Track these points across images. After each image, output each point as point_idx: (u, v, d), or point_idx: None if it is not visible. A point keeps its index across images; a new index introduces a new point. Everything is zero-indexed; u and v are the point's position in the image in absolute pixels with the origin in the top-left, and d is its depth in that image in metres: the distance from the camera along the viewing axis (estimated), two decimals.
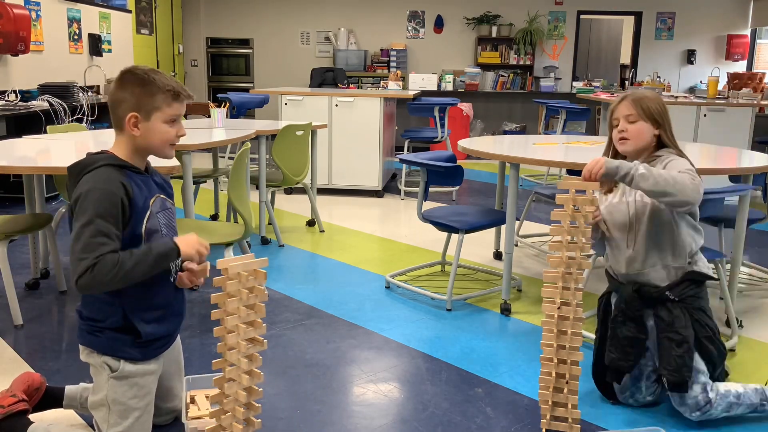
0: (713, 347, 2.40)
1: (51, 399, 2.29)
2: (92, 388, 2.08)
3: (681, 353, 2.33)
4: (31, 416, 2.19)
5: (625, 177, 2.25)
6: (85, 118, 6.03)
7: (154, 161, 2.21)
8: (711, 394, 2.34)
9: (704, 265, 2.52)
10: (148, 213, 2.00)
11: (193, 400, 2.34)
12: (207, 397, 2.30)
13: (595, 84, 8.88)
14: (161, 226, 2.05)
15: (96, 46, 7.45)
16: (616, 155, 2.51)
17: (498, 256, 4.39)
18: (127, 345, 2.01)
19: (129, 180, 1.97)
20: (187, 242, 2.00)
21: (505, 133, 9.99)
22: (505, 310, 3.44)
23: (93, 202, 1.87)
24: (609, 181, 2.40)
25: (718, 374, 2.45)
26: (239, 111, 6.48)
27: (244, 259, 1.87)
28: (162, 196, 2.11)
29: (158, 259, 1.93)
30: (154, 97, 1.98)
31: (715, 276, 2.59)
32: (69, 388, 2.31)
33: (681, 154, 2.43)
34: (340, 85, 8.81)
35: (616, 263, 2.54)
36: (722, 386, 2.40)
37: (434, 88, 9.43)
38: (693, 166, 2.36)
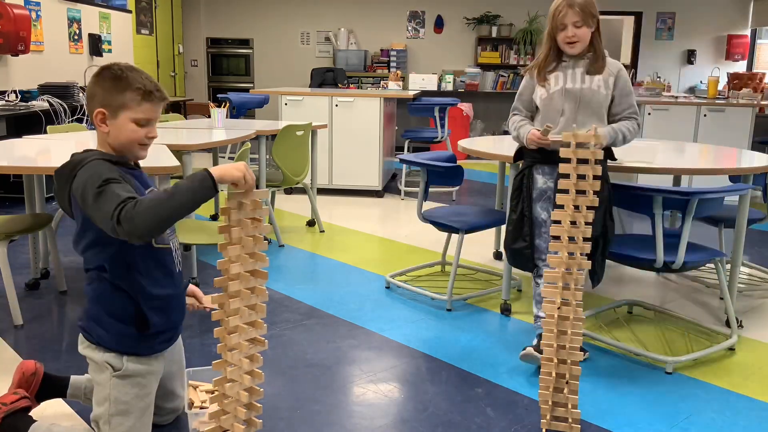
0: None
1: (54, 388, 2.27)
2: (94, 388, 2.08)
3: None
4: (34, 414, 2.19)
5: (614, 144, 2.80)
6: (85, 118, 6.02)
7: (154, 162, 2.21)
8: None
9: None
10: None
11: (194, 390, 2.35)
12: (207, 392, 2.31)
13: None
14: None
15: (96, 46, 7.45)
16: (558, 55, 2.83)
17: (498, 256, 4.39)
18: (133, 339, 2.01)
19: (122, 171, 1.95)
20: (225, 174, 1.77)
21: (505, 133, 9.99)
22: (505, 310, 3.44)
23: (98, 176, 1.82)
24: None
25: None
26: (239, 111, 6.48)
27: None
28: (156, 189, 2.10)
29: (194, 191, 1.76)
30: (123, 94, 1.94)
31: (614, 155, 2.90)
32: (74, 378, 2.30)
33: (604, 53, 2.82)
34: (340, 85, 8.81)
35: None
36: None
37: (434, 88, 9.43)
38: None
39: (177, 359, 2.28)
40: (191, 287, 2.29)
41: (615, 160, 2.95)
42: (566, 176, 2.27)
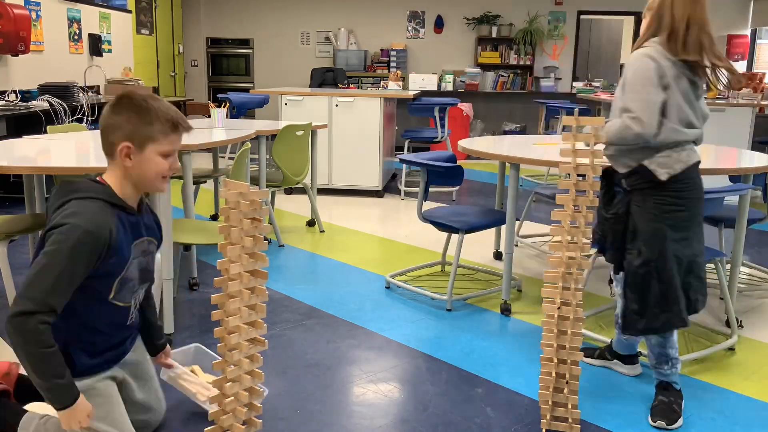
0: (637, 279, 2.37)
1: (33, 390, 2.23)
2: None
3: (612, 238, 2.43)
4: (25, 406, 2.17)
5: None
6: (85, 118, 6.02)
7: None
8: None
9: (660, 165, 2.33)
10: (129, 262, 1.92)
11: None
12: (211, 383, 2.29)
13: (595, 84, 8.88)
14: (136, 272, 1.97)
15: (96, 46, 7.45)
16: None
17: (498, 256, 4.39)
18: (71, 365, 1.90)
19: (118, 223, 1.88)
20: (73, 415, 1.80)
21: (505, 133, 9.99)
22: (505, 310, 3.44)
23: (72, 242, 1.76)
24: None
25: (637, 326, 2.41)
26: (239, 111, 6.48)
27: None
28: (148, 239, 2.03)
29: (50, 388, 1.79)
30: (151, 126, 1.88)
31: (660, 177, 2.33)
32: None
33: (661, 41, 2.36)
34: (340, 85, 8.81)
35: None
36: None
37: (434, 88, 9.43)
38: (647, 69, 2.29)
39: (139, 373, 2.17)
40: (166, 349, 2.25)
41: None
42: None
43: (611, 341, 2.82)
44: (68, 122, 5.61)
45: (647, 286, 2.33)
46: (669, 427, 2.36)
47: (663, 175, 2.32)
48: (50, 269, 1.75)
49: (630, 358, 2.76)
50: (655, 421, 2.38)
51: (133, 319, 2.06)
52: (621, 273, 2.48)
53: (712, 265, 3.35)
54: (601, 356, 2.83)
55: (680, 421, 2.39)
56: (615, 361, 2.80)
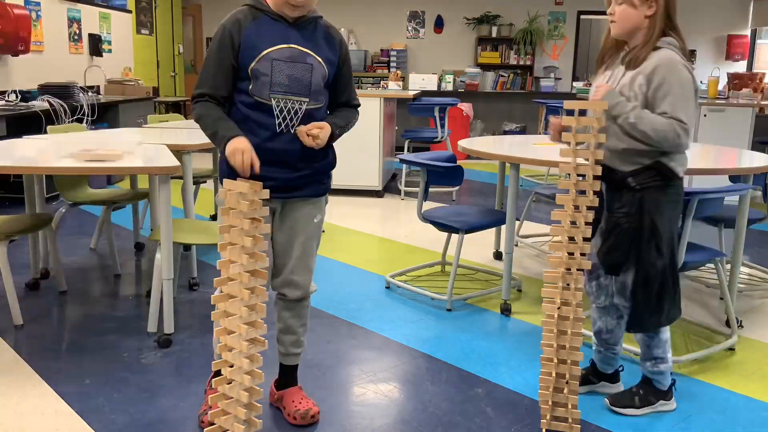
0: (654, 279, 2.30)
1: None
2: None
3: (620, 239, 2.30)
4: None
5: (617, 117, 2.23)
6: (85, 118, 6.02)
7: (154, 162, 2.21)
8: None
9: (679, 163, 2.30)
10: (260, 56, 2.09)
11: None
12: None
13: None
14: (274, 72, 2.10)
15: (96, 46, 7.45)
16: (618, 44, 2.36)
17: (498, 256, 4.39)
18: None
19: (254, 21, 2.11)
20: (236, 147, 2.02)
21: (505, 133, 9.99)
22: (505, 310, 3.44)
23: (214, 37, 2.15)
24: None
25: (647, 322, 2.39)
26: None
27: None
28: (302, 48, 2.15)
29: (212, 137, 2.11)
30: None
31: (679, 174, 2.29)
32: None
33: (680, 46, 2.23)
34: None
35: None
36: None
37: (434, 88, 9.43)
38: (692, 82, 2.20)
39: (288, 236, 2.27)
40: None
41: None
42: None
43: (592, 362, 2.66)
44: (68, 122, 5.61)
45: (665, 283, 2.32)
46: (613, 406, 2.48)
47: (681, 172, 2.30)
48: (204, 60, 2.21)
49: (615, 376, 2.65)
50: (607, 402, 2.50)
51: (285, 128, 2.16)
52: (616, 276, 2.39)
53: (712, 265, 3.35)
54: (585, 382, 2.60)
55: (633, 411, 2.46)
56: (601, 383, 2.64)
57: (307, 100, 2.16)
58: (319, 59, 2.19)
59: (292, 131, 2.15)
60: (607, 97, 2.24)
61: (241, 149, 2.01)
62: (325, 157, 2.27)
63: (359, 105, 2.36)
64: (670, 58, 2.19)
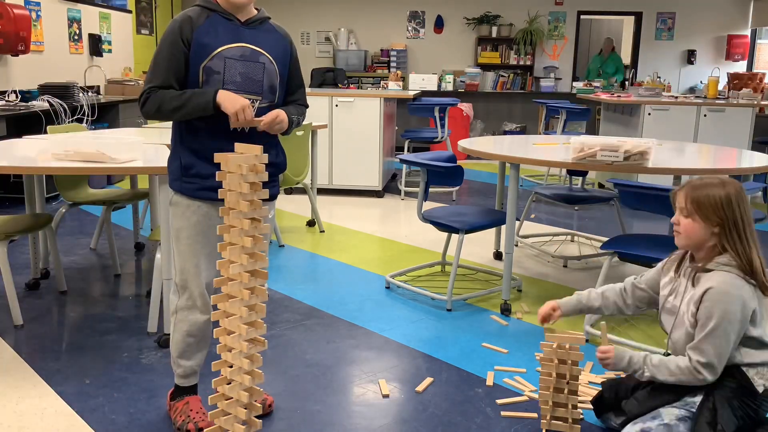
0: None
1: None
2: None
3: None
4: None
5: (635, 373, 2.14)
6: (86, 118, 6.03)
7: (154, 162, 2.21)
8: None
9: (760, 375, 2.09)
10: (213, 54, 2.08)
11: None
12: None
13: (595, 84, 8.88)
14: (227, 70, 2.10)
15: (96, 46, 7.45)
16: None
17: (498, 256, 4.39)
18: (176, 178, 2.18)
19: (206, 20, 2.11)
20: (232, 99, 2.03)
21: (505, 133, 9.99)
22: (505, 310, 3.44)
23: (164, 35, 2.15)
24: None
25: None
26: None
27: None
28: (254, 47, 2.14)
29: (194, 107, 2.06)
30: None
31: (758, 390, 2.08)
32: None
33: (745, 266, 2.06)
34: (340, 85, 8.81)
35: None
36: None
37: (434, 88, 9.43)
38: (739, 313, 2.02)
39: None
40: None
41: None
42: None
43: None
44: (68, 122, 5.61)
45: None
46: None
47: (760, 386, 2.07)
48: (153, 58, 2.19)
49: None
50: None
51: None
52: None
53: None
54: None
55: None
56: None
57: (260, 98, 2.17)
58: (271, 58, 2.19)
59: (246, 129, 2.15)
60: (615, 361, 2.14)
61: (233, 96, 2.04)
62: (276, 156, 2.33)
63: (308, 107, 2.44)
64: (723, 286, 2.04)
